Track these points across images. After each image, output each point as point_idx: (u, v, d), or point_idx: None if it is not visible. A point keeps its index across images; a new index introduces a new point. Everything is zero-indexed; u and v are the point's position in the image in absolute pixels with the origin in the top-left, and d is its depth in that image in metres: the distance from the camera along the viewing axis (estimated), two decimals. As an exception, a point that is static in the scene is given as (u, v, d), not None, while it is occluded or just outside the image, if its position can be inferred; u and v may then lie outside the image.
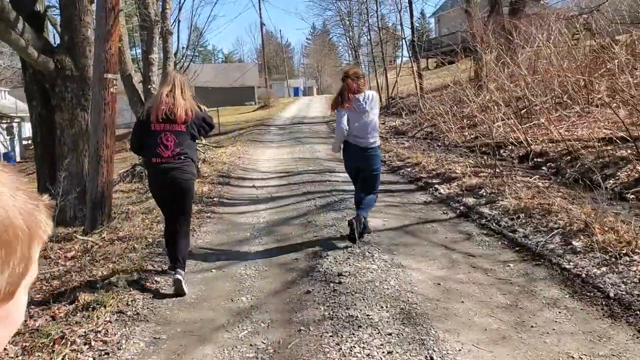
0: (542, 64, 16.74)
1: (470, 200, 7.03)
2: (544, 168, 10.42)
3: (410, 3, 23.00)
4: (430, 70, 36.54)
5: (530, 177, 8.88)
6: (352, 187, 6.36)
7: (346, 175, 6.59)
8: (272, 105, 46.36)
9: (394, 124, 21.32)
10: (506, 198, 6.55)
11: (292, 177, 10.26)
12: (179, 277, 4.57)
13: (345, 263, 5.04)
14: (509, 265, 4.71)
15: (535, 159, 11.09)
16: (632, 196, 6.77)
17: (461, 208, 6.83)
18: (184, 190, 4.75)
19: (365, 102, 5.62)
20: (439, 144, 15.10)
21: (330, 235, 6.05)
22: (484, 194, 7.21)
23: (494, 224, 5.87)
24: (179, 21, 31.10)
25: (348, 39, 32.17)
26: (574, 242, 4.83)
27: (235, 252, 5.78)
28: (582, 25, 16.32)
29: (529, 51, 17.19)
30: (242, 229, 6.65)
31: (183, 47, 33.72)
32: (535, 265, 4.65)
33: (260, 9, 59.43)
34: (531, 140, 11.83)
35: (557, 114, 13.63)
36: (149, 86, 14.45)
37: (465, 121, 16.31)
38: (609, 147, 9.89)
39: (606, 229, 4.83)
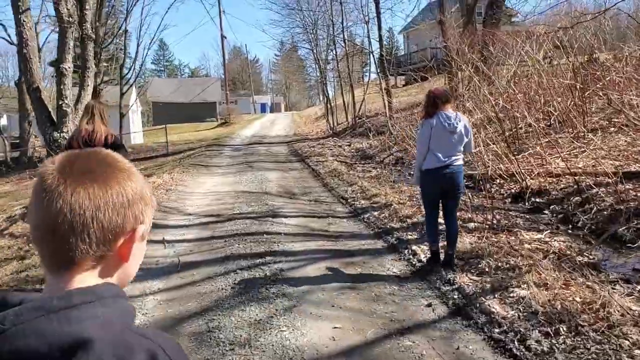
0: (522, 82, 14.51)
1: (467, 282, 4.62)
2: (546, 212, 8.14)
3: (378, 14, 20.89)
4: (399, 88, 34.58)
5: (540, 231, 6.57)
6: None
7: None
8: (234, 122, 43.82)
9: (361, 145, 19.04)
10: (524, 283, 4.20)
11: (221, 226, 7.74)
12: None
13: None
14: None
15: (532, 198, 8.83)
16: None
17: (455, 297, 4.40)
18: None
19: (457, 121, 4.92)
20: (411, 172, 12.79)
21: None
22: (486, 268, 4.84)
23: (518, 344, 3.44)
24: (125, 31, 28.61)
25: (314, 53, 29.82)
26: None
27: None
28: (553, 43, 14.54)
29: (507, 67, 15.24)
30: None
31: (136, 60, 31.23)
32: None
33: (220, 21, 56.86)
34: (524, 172, 9.58)
35: (546, 140, 11.48)
36: (61, 102, 11.85)
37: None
38: (628, 186, 7.73)
39: None
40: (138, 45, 29.19)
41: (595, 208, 7.37)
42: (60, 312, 0.81)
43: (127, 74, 28.61)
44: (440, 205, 5.21)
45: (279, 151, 20.53)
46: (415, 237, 6.32)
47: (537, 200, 8.73)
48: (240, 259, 5.79)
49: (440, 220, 5.30)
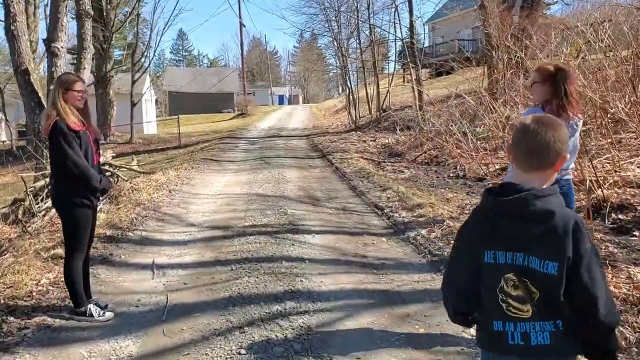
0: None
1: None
2: (636, 234, 6.45)
3: (409, -2, 19.10)
4: (425, 81, 32.75)
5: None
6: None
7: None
8: (251, 113, 42.29)
9: (387, 141, 17.38)
10: None
11: (229, 244, 6.14)
12: None
13: None
14: None
15: (613, 214, 7.13)
16: None
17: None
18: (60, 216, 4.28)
19: (577, 123, 3.85)
20: (450, 174, 11.11)
21: None
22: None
23: None
24: (138, 15, 27.14)
25: (336, 41, 28.09)
26: None
27: None
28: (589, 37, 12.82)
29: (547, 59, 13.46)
30: None
31: (151, 47, 29.78)
32: None
33: (239, 7, 54.87)
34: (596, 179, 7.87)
35: (608, 140, 9.75)
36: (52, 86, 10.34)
37: (482, 143, 12.37)
38: None
39: None
40: (151, 30, 27.55)
41: None
42: (544, 197, 1.82)
43: (139, 60, 27.13)
44: None
45: (297, 145, 18.92)
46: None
47: (621, 217, 7.04)
48: (250, 305, 4.17)
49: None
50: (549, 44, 13.39)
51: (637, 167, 8.59)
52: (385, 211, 7.57)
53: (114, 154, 15.54)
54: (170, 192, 9.58)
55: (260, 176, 11.43)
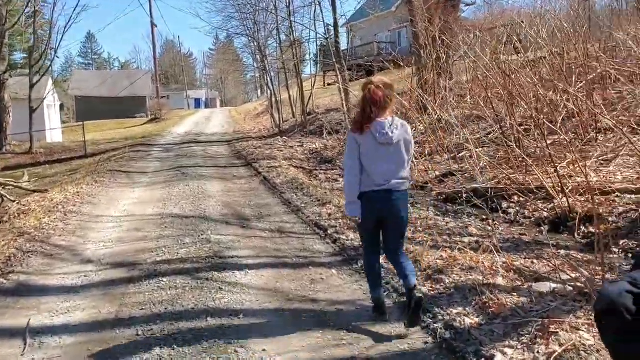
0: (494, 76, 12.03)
1: None
2: (614, 250, 5.64)
3: (332, -6, 18.11)
4: (349, 83, 31.99)
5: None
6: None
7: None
8: (165, 118, 40.01)
9: (315, 146, 16.34)
10: None
11: (135, 290, 4.72)
12: None
13: None
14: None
15: (583, 227, 6.35)
16: None
17: None
18: None
19: (393, 131, 3.78)
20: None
21: None
22: None
23: None
24: (35, 11, 24.57)
25: (254, 43, 26.73)
26: None
27: None
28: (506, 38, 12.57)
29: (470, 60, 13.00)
30: None
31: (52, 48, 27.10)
32: None
33: (150, 6, 51.82)
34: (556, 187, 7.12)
35: (548, 143, 9.15)
36: None
37: (417, 148, 11.52)
38: None
39: None
40: (51, 28, 25.09)
41: None
42: None
43: (38, 61, 24.51)
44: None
45: (218, 152, 17.45)
46: (478, 319, 3.62)
47: (592, 230, 6.24)
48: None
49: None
50: (468, 45, 12.91)
51: (593, 171, 7.98)
52: (329, 232, 6.40)
53: None
54: (65, 214, 7.93)
55: (176, 190, 9.95)
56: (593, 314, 2.05)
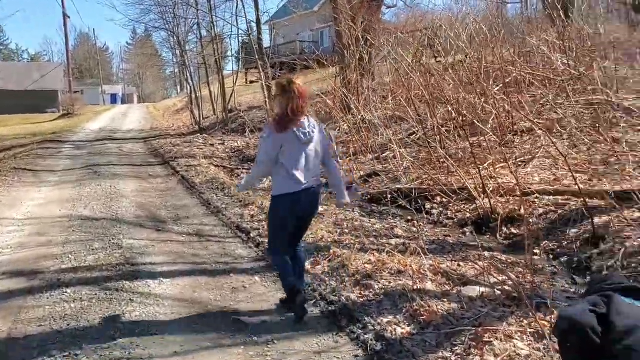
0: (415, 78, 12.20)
1: None
2: (536, 251, 5.70)
3: (255, -10, 17.72)
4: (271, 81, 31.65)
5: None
6: None
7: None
8: (79, 113, 38.02)
9: (237, 144, 15.92)
10: None
11: (34, 303, 4.20)
12: None
13: None
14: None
15: (504, 228, 6.40)
16: None
17: None
18: None
19: (313, 130, 3.84)
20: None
21: None
22: None
23: None
24: None
25: (173, 37, 25.86)
26: None
27: None
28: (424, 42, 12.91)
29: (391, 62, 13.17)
30: None
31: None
32: None
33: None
34: (478, 188, 7.18)
35: (460, 147, 9.34)
36: None
37: (342, 147, 11.43)
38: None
39: None
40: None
41: (621, 249, 5.03)
42: None
43: None
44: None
45: (134, 150, 16.63)
46: (409, 329, 3.44)
47: (514, 231, 6.31)
48: None
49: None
50: (391, 46, 12.99)
51: (511, 172, 8.13)
52: (251, 235, 6.08)
53: None
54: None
55: (87, 190, 9.27)
56: (556, 335, 1.90)
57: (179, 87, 66.16)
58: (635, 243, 5.01)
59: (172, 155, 13.86)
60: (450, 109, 10.31)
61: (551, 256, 5.48)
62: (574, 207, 6.24)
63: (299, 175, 3.76)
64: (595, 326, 1.67)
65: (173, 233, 6.39)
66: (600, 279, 1.99)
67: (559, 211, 6.28)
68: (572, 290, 4.40)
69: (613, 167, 7.16)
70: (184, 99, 33.62)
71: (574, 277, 4.91)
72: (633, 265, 4.72)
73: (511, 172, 6.55)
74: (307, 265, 4.85)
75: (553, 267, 5.17)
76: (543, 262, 5.31)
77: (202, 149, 15.26)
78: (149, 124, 28.70)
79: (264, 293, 4.39)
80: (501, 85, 9.75)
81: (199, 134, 19.34)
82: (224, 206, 7.68)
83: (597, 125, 8.35)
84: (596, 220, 5.39)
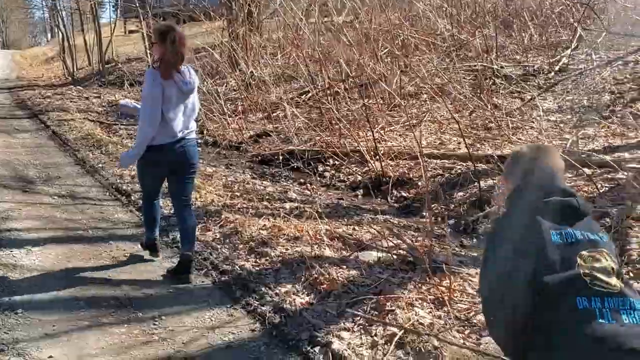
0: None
1: None
2: (424, 214, 5.79)
3: None
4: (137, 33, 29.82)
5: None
6: None
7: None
8: None
9: (115, 98, 14.79)
10: None
11: None
12: None
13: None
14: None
15: (394, 192, 6.44)
16: None
17: None
18: None
19: (193, 81, 3.68)
20: (199, 140, 9.39)
21: None
22: None
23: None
24: None
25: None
26: None
27: None
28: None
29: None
30: None
31: None
32: None
33: None
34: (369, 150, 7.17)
35: (358, 107, 9.34)
36: None
37: (231, 105, 10.99)
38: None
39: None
40: None
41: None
42: None
43: None
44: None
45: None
46: (309, 299, 3.27)
47: (404, 194, 6.36)
48: None
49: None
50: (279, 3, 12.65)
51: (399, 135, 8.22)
52: (132, 198, 5.60)
53: None
54: None
55: (-62, 145, 8.14)
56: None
57: (49, 35, 60.83)
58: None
59: (42, 108, 12.60)
60: (339, 70, 10.25)
61: (440, 219, 5.57)
62: (460, 171, 6.39)
63: (176, 126, 3.64)
64: None
65: (43, 195, 5.73)
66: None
67: (446, 175, 6.42)
68: (462, 253, 4.47)
69: (493, 132, 7.44)
70: (55, 47, 30.83)
71: (462, 239, 5.02)
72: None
73: (414, 136, 6.56)
74: (197, 232, 4.53)
75: (442, 230, 5.26)
76: (432, 225, 5.39)
77: (75, 102, 14.02)
78: (15, 73, 26.01)
79: (148, 263, 4.02)
80: (389, 48, 9.78)
81: (72, 86, 17.79)
82: (100, 165, 7.05)
83: (479, 91, 8.62)
84: (481, 184, 5.53)
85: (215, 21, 15.07)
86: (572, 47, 9.45)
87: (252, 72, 11.64)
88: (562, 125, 7.22)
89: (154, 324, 3.09)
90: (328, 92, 9.36)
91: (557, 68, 9.11)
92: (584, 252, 1.57)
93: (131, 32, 32.91)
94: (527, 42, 10.71)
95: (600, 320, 1.47)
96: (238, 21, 13.24)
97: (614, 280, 1.53)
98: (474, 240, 5.01)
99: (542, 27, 11.04)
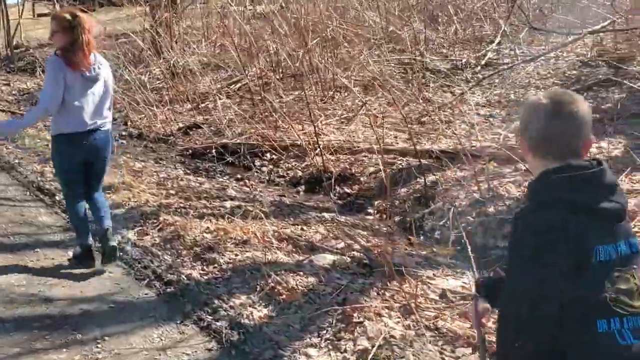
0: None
1: None
2: (370, 210, 5.67)
3: None
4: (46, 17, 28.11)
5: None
6: None
7: None
8: None
9: (26, 85, 13.83)
10: None
11: None
12: None
13: None
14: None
15: (338, 187, 6.28)
16: None
17: None
18: None
19: (99, 67, 3.68)
20: (123, 132, 8.82)
21: None
22: None
23: None
24: None
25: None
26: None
27: None
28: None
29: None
30: None
31: None
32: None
33: None
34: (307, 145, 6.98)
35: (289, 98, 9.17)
36: None
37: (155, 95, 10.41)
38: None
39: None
40: None
41: (450, 208, 5.18)
42: None
43: None
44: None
45: None
46: (267, 311, 3.04)
47: (347, 190, 6.22)
48: None
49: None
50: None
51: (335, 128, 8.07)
52: (56, 198, 5.10)
53: None
54: None
55: None
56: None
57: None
58: (464, 203, 5.17)
59: (-59, 97, 11.47)
60: (270, 59, 9.96)
61: (384, 216, 5.47)
62: (401, 166, 6.32)
63: (85, 115, 3.61)
64: None
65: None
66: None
67: (388, 170, 6.32)
68: (413, 252, 4.38)
69: (427, 127, 7.43)
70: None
71: (410, 237, 4.92)
72: (462, 225, 4.85)
73: (372, 128, 6.40)
74: (133, 236, 4.16)
75: (388, 228, 5.16)
76: (378, 223, 5.29)
77: (-19, 90, 12.90)
78: None
79: (82, 273, 3.63)
80: (318, 39, 9.59)
81: (-24, 72, 16.41)
82: (17, 161, 6.42)
83: (410, 84, 8.60)
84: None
85: (137, 6, 14.30)
86: (496, 41, 9.62)
87: (177, 59, 11.11)
88: (491, 119, 7.30)
89: (97, 347, 2.75)
90: (260, 82, 9.04)
91: (483, 62, 9.24)
92: (615, 274, 1.48)
93: (40, 15, 30.87)
94: (452, 36, 10.84)
95: (622, 342, 1.43)
96: (161, 7, 12.63)
97: (637, 303, 1.48)
98: (421, 237, 4.95)
99: (465, 22, 11.22)
